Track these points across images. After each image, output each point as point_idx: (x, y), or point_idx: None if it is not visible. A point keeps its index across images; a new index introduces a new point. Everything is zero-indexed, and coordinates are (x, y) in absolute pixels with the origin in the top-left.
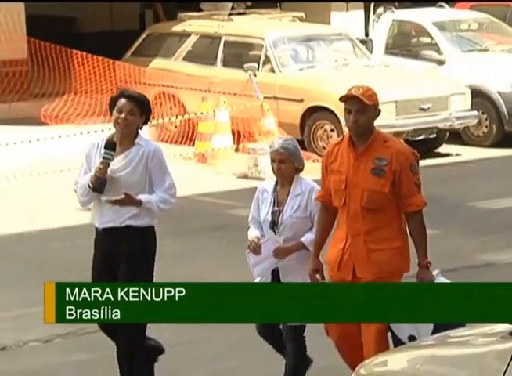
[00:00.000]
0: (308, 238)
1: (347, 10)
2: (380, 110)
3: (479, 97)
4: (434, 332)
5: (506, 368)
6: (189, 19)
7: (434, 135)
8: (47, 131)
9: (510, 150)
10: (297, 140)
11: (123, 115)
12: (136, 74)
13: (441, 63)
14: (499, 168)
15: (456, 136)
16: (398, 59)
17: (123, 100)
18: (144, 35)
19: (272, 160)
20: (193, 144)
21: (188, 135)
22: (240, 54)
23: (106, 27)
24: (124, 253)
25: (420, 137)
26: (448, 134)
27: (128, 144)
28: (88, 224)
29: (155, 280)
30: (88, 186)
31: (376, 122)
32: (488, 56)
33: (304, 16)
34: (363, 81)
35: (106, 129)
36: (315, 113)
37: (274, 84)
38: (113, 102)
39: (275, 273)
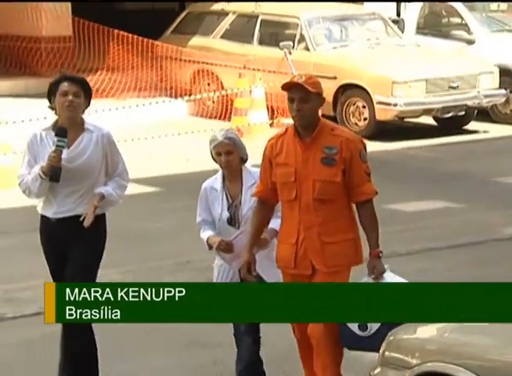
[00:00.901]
0: (276, 224)
1: None
2: (324, 99)
3: (507, 76)
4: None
5: None
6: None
7: (463, 113)
8: (90, 107)
9: None
10: (329, 117)
11: (70, 97)
12: (175, 51)
13: (470, 42)
14: None
15: (484, 114)
16: (429, 38)
17: (66, 84)
18: (184, 14)
19: (218, 154)
20: (230, 119)
21: (225, 110)
22: (276, 33)
23: (147, 5)
24: (79, 239)
25: (449, 114)
26: (476, 111)
27: (77, 130)
28: (134, 194)
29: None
30: (40, 176)
31: (407, 100)
32: None
33: None
34: (395, 60)
35: (146, 104)
36: (348, 90)
37: (308, 62)
38: (54, 86)
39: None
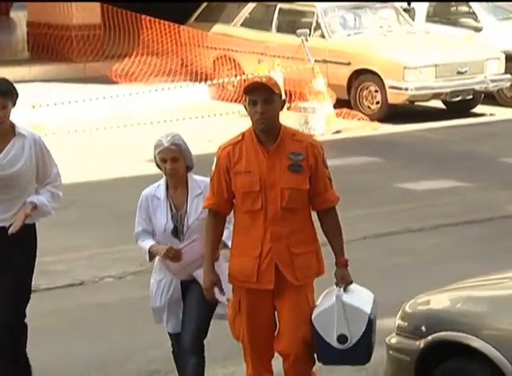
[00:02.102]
0: (225, 235)
1: None
2: (284, 101)
3: None
4: (365, 331)
5: None
6: None
7: (471, 97)
8: (118, 89)
9: None
10: (344, 100)
11: None
12: (199, 38)
13: (477, 30)
14: None
15: (491, 98)
16: (438, 26)
17: None
18: (206, 3)
19: (163, 160)
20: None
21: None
22: (293, 21)
23: None
24: (11, 249)
25: (458, 98)
26: (483, 95)
27: (7, 136)
28: (154, 174)
29: None
30: None
31: (417, 84)
32: None
33: None
34: (406, 47)
35: (171, 88)
36: (361, 75)
37: (324, 49)
38: None
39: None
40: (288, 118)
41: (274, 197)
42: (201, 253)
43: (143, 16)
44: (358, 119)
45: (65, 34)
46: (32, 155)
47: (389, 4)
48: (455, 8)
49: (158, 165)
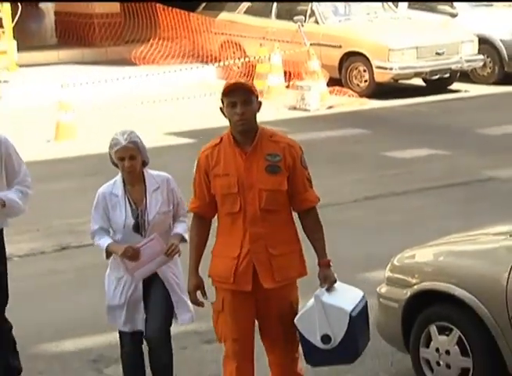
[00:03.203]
0: (182, 229)
1: None
2: (261, 103)
3: (485, 44)
4: (348, 329)
5: None
6: None
7: (448, 75)
8: (136, 71)
9: (509, 86)
10: (336, 79)
11: None
12: (207, 25)
13: (453, 15)
14: (500, 102)
15: (465, 76)
16: (419, 12)
17: None
18: None
19: (121, 159)
20: (252, 82)
21: (248, 74)
22: (290, 8)
23: None
24: None
25: (436, 76)
26: (458, 74)
27: None
28: (171, 145)
29: None
30: None
31: (401, 64)
32: (492, 10)
33: None
34: (390, 31)
35: (183, 69)
36: (351, 56)
37: (318, 33)
38: None
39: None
40: (287, 95)
41: (252, 199)
42: (160, 251)
43: (158, 5)
44: (349, 96)
45: (88, 22)
46: (1, 152)
47: None
48: None
49: (114, 163)
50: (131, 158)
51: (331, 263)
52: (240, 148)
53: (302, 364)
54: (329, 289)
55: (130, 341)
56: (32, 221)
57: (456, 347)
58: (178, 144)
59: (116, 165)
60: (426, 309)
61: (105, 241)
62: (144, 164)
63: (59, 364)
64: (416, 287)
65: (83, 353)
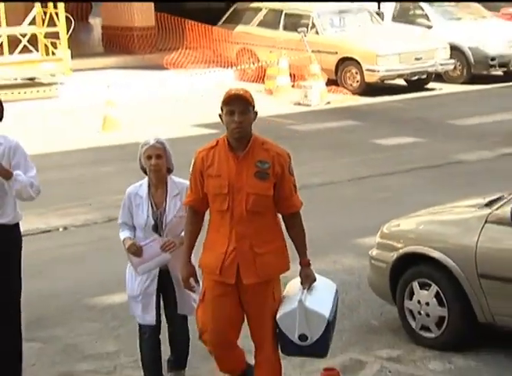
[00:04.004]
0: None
1: None
2: (257, 113)
3: (455, 50)
4: (324, 332)
5: (483, 226)
6: None
7: (425, 76)
8: (168, 74)
9: (475, 85)
10: (332, 80)
11: None
12: (226, 36)
13: (429, 27)
14: (468, 98)
15: (439, 77)
16: (401, 25)
17: None
18: (232, 9)
19: (149, 157)
20: (263, 82)
21: (260, 76)
22: (295, 22)
23: (204, 4)
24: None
25: (415, 77)
26: (434, 75)
27: None
28: (200, 135)
29: None
30: None
31: (386, 67)
32: (461, 22)
33: None
34: (378, 40)
35: (206, 73)
36: (345, 61)
37: (317, 42)
38: None
39: (163, 272)
40: (292, 93)
41: (240, 200)
42: (160, 251)
43: (186, 20)
44: (343, 93)
45: (129, 34)
46: (6, 160)
47: (365, 9)
48: (413, 11)
49: (142, 167)
50: (157, 157)
51: (310, 263)
52: (234, 153)
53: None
54: (310, 288)
55: (148, 332)
56: (85, 197)
57: (434, 299)
58: (203, 134)
59: (144, 171)
60: (409, 268)
61: (123, 234)
62: (169, 170)
63: (109, 314)
64: (401, 250)
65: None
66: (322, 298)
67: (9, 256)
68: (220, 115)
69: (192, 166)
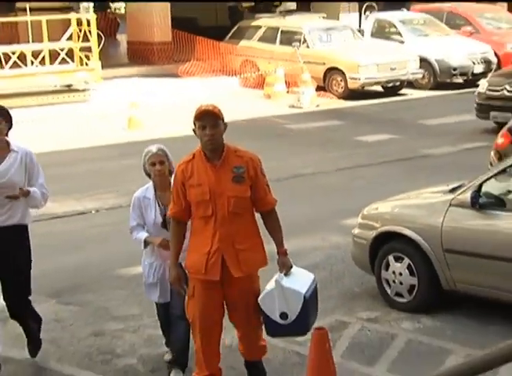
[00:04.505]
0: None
1: (349, 12)
2: (226, 125)
3: (424, 62)
4: (302, 309)
5: (447, 209)
6: (261, 18)
7: (398, 83)
8: (182, 81)
9: (440, 91)
10: (321, 86)
11: None
12: (231, 49)
13: (402, 42)
14: (434, 102)
15: (410, 84)
16: (378, 40)
17: None
18: (236, 27)
19: (152, 164)
20: (263, 88)
21: (260, 83)
22: (289, 37)
23: (212, 22)
24: (11, 246)
25: (390, 84)
26: (406, 82)
27: (3, 151)
28: None
29: None
30: None
31: (366, 76)
32: (429, 38)
33: (325, 16)
34: (359, 53)
35: (214, 80)
36: (332, 70)
37: (308, 55)
38: None
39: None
40: (287, 97)
41: (222, 204)
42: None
43: (197, 37)
44: (330, 98)
45: (150, 48)
46: (23, 166)
47: (348, 27)
48: (388, 29)
49: (147, 172)
50: (160, 163)
51: (287, 252)
52: (210, 162)
53: (263, 335)
54: (287, 274)
55: (164, 311)
56: (113, 185)
57: (406, 270)
58: None
59: (148, 175)
60: (386, 244)
61: (142, 235)
62: (170, 173)
63: (134, 282)
64: (379, 229)
65: None
66: (298, 280)
67: (18, 254)
68: (193, 129)
69: (173, 180)
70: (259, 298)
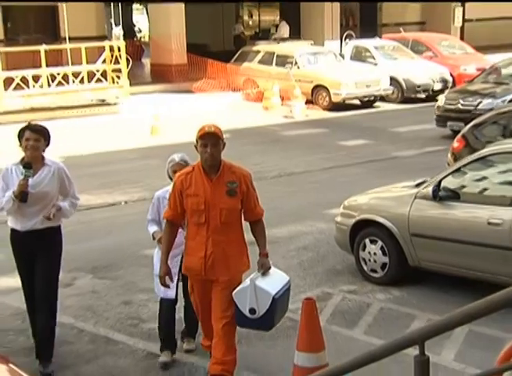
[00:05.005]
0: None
1: (332, 39)
2: (225, 144)
3: (393, 80)
4: (269, 308)
5: (413, 201)
6: (259, 44)
7: (373, 98)
8: (197, 97)
9: (406, 105)
10: (310, 100)
11: (31, 142)
12: (235, 70)
13: (375, 64)
14: (402, 113)
15: (383, 98)
16: (356, 62)
17: (28, 132)
18: (240, 52)
19: (174, 171)
20: (262, 101)
21: (259, 97)
22: (283, 60)
23: (220, 48)
24: (41, 247)
25: (366, 99)
26: (379, 97)
27: (38, 165)
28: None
29: None
30: (13, 198)
31: (347, 91)
32: (397, 61)
33: (313, 42)
34: (340, 72)
35: (222, 95)
36: (318, 87)
37: (299, 74)
38: (20, 133)
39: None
40: (282, 109)
41: (215, 215)
42: (182, 241)
43: (208, 59)
44: (317, 109)
45: (169, 69)
46: (55, 179)
47: (331, 51)
48: (364, 53)
49: (170, 177)
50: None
51: (268, 255)
52: (207, 176)
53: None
54: (264, 274)
55: (166, 304)
56: (139, 181)
57: (380, 251)
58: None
59: (170, 178)
60: (363, 230)
61: (152, 229)
62: None
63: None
64: (357, 217)
65: None
66: (271, 282)
67: (50, 255)
68: (195, 146)
69: (171, 188)
70: (234, 292)
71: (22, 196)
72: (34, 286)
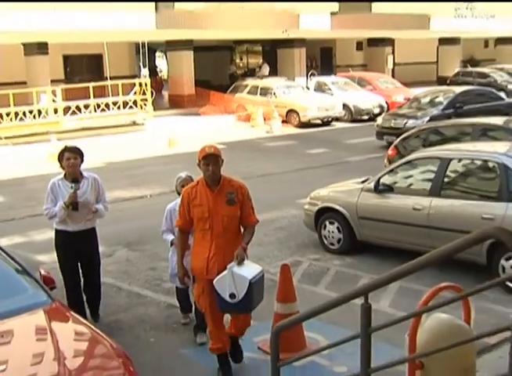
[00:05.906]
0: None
1: (301, 76)
2: (223, 161)
3: (345, 106)
4: (247, 291)
5: (360, 193)
6: (247, 80)
7: (330, 119)
8: (202, 118)
9: (355, 123)
10: (284, 120)
11: (72, 161)
12: (230, 98)
13: (332, 94)
14: (351, 130)
15: (338, 119)
16: (318, 93)
17: (67, 153)
18: (233, 85)
19: (182, 186)
20: (250, 121)
21: (248, 118)
22: (265, 91)
23: (219, 82)
24: (86, 244)
25: (326, 119)
26: (334, 118)
27: (80, 178)
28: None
29: None
30: (63, 208)
31: (311, 114)
32: (348, 92)
33: (287, 78)
34: (307, 100)
35: (220, 117)
36: (291, 111)
37: (277, 102)
38: (61, 154)
39: None
40: (264, 127)
41: (217, 221)
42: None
43: (211, 91)
44: (290, 127)
45: (182, 98)
46: (93, 188)
47: (300, 85)
48: (324, 87)
49: (178, 192)
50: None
51: (247, 249)
52: (210, 189)
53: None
54: (240, 263)
55: (183, 293)
56: (159, 180)
57: (336, 230)
58: (221, 148)
59: (178, 193)
60: (324, 214)
61: (170, 237)
62: None
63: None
64: (320, 205)
65: None
66: (247, 269)
67: (94, 245)
68: (198, 164)
69: (180, 201)
70: (214, 281)
71: (73, 205)
72: (78, 276)
